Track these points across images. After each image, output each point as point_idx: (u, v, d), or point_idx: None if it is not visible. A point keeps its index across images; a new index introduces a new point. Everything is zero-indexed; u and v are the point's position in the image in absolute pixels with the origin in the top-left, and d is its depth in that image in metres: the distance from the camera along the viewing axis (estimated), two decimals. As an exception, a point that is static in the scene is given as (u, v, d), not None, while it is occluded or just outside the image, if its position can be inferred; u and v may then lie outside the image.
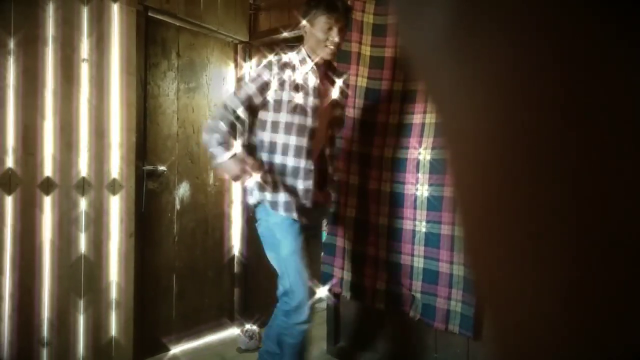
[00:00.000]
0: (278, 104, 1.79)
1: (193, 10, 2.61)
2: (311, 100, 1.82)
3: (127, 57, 2.26)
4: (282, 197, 1.79)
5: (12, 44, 1.88)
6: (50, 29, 2.00)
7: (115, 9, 2.22)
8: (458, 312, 2.03)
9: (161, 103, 2.54)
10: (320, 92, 1.86)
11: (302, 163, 1.81)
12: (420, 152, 2.18)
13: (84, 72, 2.12)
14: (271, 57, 1.86)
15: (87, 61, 2.12)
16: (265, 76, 1.78)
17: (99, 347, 2.17)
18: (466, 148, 0.17)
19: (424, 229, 2.16)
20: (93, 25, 2.14)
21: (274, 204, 1.79)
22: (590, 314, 0.14)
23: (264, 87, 1.78)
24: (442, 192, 2.08)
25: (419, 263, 2.17)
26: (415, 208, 2.19)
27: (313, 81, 1.83)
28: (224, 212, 2.88)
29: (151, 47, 2.46)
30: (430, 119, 2.15)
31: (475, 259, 0.18)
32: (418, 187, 2.18)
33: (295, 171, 1.81)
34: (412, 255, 2.19)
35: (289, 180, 1.81)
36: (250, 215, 1.92)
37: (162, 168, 2.52)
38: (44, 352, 1.98)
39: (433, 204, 2.12)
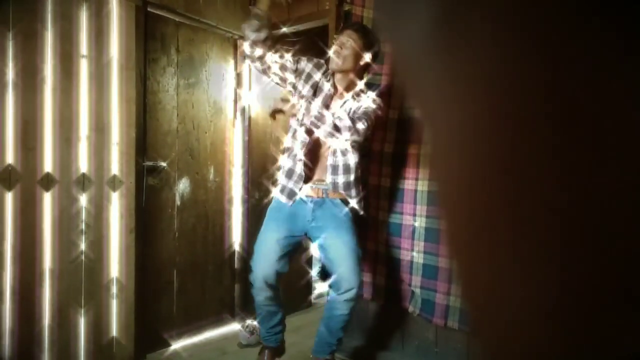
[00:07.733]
0: None
1: (192, 5, 2.60)
2: None
3: (126, 52, 2.25)
4: None
5: (10, 40, 1.87)
6: (49, 24, 1.99)
7: (114, 4, 2.21)
8: (457, 308, 2.03)
9: (161, 99, 2.53)
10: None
11: None
12: (421, 147, 2.18)
13: (83, 67, 2.11)
14: None
15: (87, 56, 2.12)
16: None
17: (100, 342, 2.18)
18: (452, 144, 0.17)
19: (423, 224, 2.15)
20: (92, 21, 2.13)
21: None
22: (583, 313, 0.14)
23: None
24: None
25: (418, 258, 2.17)
26: (415, 203, 2.18)
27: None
28: (224, 207, 2.88)
29: (150, 42, 2.45)
30: None
31: (462, 256, 0.18)
32: (418, 182, 2.18)
33: None
34: (412, 250, 2.19)
35: None
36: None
37: (162, 164, 2.52)
38: (45, 348, 1.99)
39: (433, 198, 2.12)
